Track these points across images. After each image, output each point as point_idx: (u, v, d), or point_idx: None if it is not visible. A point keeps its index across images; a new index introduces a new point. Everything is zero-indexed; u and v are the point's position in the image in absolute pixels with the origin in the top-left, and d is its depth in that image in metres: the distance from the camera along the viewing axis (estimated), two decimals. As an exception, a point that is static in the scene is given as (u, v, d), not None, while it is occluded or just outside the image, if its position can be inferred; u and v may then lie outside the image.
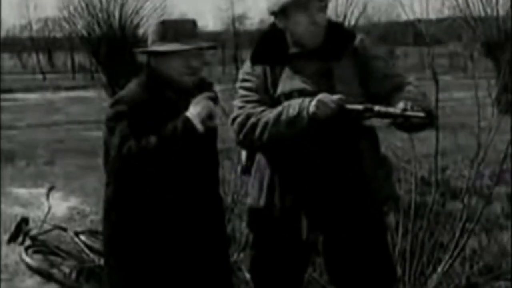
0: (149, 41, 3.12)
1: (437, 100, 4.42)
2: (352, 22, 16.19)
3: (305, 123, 3.04)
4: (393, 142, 5.16)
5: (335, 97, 3.00)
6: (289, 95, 3.18)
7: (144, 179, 2.99)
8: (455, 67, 32.28)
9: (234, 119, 3.23)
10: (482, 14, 19.12)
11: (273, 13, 3.28)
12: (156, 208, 3.06)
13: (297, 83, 3.20)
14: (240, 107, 3.25)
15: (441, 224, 4.77)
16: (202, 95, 3.07)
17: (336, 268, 3.39)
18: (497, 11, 19.09)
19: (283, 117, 3.09)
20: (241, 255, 5.06)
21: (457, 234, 4.59)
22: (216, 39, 44.50)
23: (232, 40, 46.11)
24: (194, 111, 3.00)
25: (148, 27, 16.76)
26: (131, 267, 3.11)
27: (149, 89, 3.06)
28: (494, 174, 4.89)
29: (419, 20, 5.11)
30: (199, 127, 2.98)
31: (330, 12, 12.61)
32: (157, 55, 3.08)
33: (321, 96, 3.02)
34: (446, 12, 19.77)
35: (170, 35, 3.04)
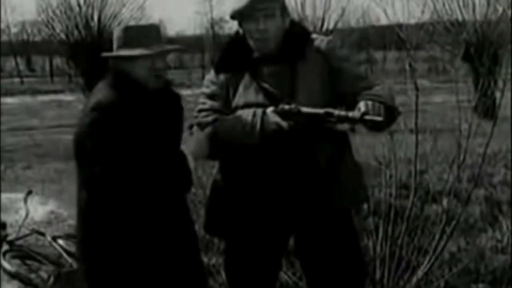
0: (115, 45, 3.18)
1: (416, 105, 4.46)
2: (331, 26, 16.23)
3: (257, 138, 3.11)
4: (372, 146, 5.18)
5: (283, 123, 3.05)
6: (244, 107, 3.21)
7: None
8: (433, 71, 32.50)
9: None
10: (460, 18, 19.29)
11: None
12: (131, 211, 3.08)
13: (252, 96, 3.22)
14: (195, 116, 3.33)
15: (420, 227, 4.79)
16: None
17: (309, 269, 3.48)
18: (475, 15, 19.26)
19: (235, 130, 3.14)
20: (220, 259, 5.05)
21: (436, 237, 4.60)
22: (196, 43, 44.55)
23: (212, 44, 46.04)
24: None
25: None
26: (108, 268, 3.13)
27: (119, 91, 3.09)
28: (473, 177, 4.91)
29: (400, 25, 5.13)
30: None
31: (309, 16, 12.62)
32: (124, 59, 3.13)
33: (269, 113, 3.08)
34: (424, 17, 19.90)
35: (136, 40, 3.11)
